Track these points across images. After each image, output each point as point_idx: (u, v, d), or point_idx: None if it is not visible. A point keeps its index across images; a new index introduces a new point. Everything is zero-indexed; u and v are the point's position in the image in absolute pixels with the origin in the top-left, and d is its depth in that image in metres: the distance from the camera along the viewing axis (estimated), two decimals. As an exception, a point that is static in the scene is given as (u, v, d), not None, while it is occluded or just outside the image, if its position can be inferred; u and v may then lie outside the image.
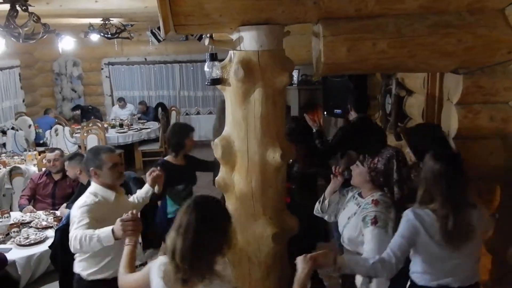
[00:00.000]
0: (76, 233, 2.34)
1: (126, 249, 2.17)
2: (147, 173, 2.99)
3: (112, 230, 2.24)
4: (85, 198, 2.55)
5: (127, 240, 2.19)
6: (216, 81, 2.44)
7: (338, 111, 4.72)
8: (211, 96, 9.88)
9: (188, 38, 9.53)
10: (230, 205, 2.65)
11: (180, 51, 9.64)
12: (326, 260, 2.01)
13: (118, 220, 2.21)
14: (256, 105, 2.40)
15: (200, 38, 9.47)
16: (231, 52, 2.45)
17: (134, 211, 2.24)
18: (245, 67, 2.32)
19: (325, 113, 5.21)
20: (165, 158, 3.76)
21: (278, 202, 2.62)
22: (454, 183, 2.12)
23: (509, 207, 2.61)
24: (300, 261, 1.97)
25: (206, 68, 2.44)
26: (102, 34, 7.03)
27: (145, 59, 9.84)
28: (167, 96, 9.98)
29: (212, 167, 3.72)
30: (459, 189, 2.14)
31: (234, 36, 2.43)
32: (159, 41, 9.38)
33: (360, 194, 2.65)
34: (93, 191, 2.60)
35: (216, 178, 2.63)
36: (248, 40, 2.36)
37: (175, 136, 3.63)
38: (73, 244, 2.35)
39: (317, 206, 2.84)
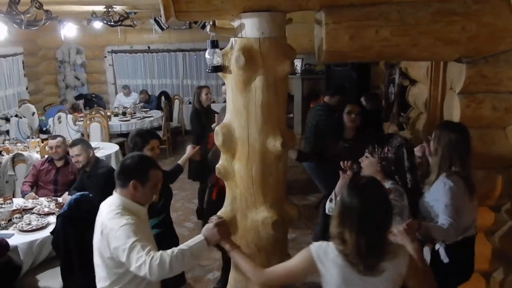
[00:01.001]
0: (153, 258, 1.99)
1: (237, 254, 2.15)
2: None
3: (205, 238, 2.14)
4: (120, 218, 2.12)
5: (227, 247, 2.18)
6: (217, 69, 2.42)
7: (340, 100, 4.70)
8: (215, 85, 9.85)
9: (192, 27, 9.52)
10: (230, 192, 2.66)
11: (183, 40, 9.61)
12: (414, 227, 2.13)
13: (211, 225, 2.20)
14: (257, 93, 2.39)
15: (203, 27, 9.43)
16: (232, 39, 2.44)
17: (218, 214, 2.32)
18: (246, 55, 2.30)
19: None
20: None
21: (279, 190, 2.61)
22: (468, 147, 2.50)
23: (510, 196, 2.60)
24: (400, 236, 2.02)
25: (207, 55, 2.42)
26: (105, 21, 7.01)
27: (149, 47, 9.82)
28: (170, 85, 9.97)
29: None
30: (470, 153, 2.52)
31: (236, 23, 2.41)
32: (162, 29, 9.38)
33: None
34: (125, 207, 2.21)
35: (217, 165, 2.63)
36: (250, 27, 2.34)
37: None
38: (158, 271, 2.00)
39: (330, 205, 2.80)
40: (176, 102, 9.07)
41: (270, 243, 2.61)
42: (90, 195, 3.11)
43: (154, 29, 9.34)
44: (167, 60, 9.88)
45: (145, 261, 1.98)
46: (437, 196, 2.44)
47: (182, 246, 2.10)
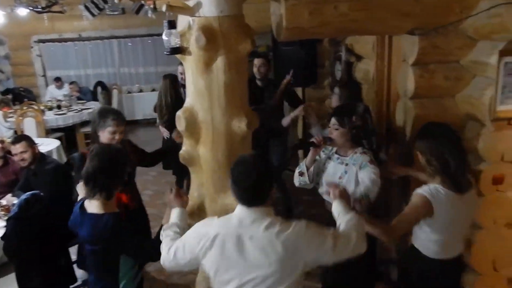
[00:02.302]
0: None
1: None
2: None
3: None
4: None
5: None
6: (175, 50, 2.31)
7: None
8: (153, 73, 9.54)
9: (125, 12, 9.08)
10: (196, 178, 2.59)
11: (117, 26, 9.14)
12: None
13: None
14: (219, 74, 2.32)
15: (138, 11, 9.08)
16: (190, 19, 2.33)
17: None
18: (206, 34, 2.21)
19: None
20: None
21: (246, 172, 2.58)
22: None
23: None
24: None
25: (164, 37, 2.29)
26: (30, 8, 6.49)
27: (80, 35, 9.25)
28: (106, 74, 9.50)
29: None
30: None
31: (192, 2, 2.30)
32: (93, 15, 8.88)
33: (339, 154, 2.76)
34: None
35: (180, 152, 2.54)
36: (208, 5, 2.24)
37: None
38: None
39: (301, 178, 2.81)
40: (115, 92, 8.67)
41: (240, 226, 2.58)
42: (41, 193, 2.89)
43: (84, 16, 8.88)
44: (101, 48, 9.38)
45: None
46: None
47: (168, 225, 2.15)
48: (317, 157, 2.80)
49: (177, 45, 2.31)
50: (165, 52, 2.36)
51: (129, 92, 9.55)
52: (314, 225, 1.89)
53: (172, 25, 2.28)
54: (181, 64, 5.06)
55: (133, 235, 2.25)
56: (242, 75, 2.42)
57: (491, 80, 2.57)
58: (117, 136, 2.88)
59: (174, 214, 2.18)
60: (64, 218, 2.98)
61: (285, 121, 3.98)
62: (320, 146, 2.71)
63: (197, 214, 2.53)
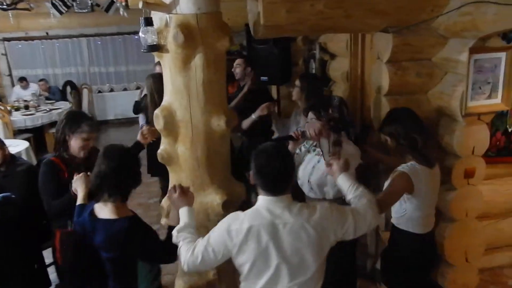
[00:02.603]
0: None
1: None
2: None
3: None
4: None
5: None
6: (153, 48, 2.28)
7: (264, 78, 4.71)
8: (125, 72, 9.38)
9: (94, 10, 8.91)
10: (175, 177, 2.56)
11: (86, 24, 8.94)
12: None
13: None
14: (197, 71, 2.30)
15: (108, 9, 8.91)
16: (167, 16, 2.30)
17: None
18: (184, 31, 2.19)
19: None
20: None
21: (225, 170, 2.58)
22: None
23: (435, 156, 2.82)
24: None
25: (141, 34, 2.26)
26: (-5, 5, 6.29)
27: (47, 33, 9.00)
28: (76, 74, 9.27)
29: None
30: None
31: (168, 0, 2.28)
32: (61, 13, 8.71)
33: (316, 146, 2.81)
34: None
35: (158, 151, 2.51)
36: (185, 2, 2.22)
37: None
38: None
39: None
40: (85, 92, 8.48)
41: (220, 224, 2.57)
42: (13, 196, 2.80)
43: (52, 13, 8.67)
44: (70, 47, 9.14)
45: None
46: None
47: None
48: (298, 151, 2.83)
49: (154, 43, 2.28)
50: (142, 50, 2.33)
51: (99, 92, 9.37)
52: (336, 206, 1.99)
53: (149, 22, 2.25)
54: (158, 64, 4.97)
55: (150, 239, 2.12)
56: (221, 73, 2.41)
57: (461, 76, 2.66)
58: (90, 144, 2.70)
59: (184, 214, 2.08)
60: (37, 220, 2.92)
61: (245, 124, 3.76)
62: (299, 140, 2.74)
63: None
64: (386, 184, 2.51)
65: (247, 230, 1.83)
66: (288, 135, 2.81)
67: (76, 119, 2.69)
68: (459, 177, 2.83)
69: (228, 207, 2.50)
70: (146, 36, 2.27)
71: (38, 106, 7.51)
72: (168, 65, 2.36)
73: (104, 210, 2.10)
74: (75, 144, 2.66)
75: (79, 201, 2.36)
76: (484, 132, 2.81)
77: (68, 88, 8.76)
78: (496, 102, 2.72)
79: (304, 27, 2.49)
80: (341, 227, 1.92)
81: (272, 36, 3.20)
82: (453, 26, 2.62)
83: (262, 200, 1.89)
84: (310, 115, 2.79)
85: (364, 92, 3.83)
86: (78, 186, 2.41)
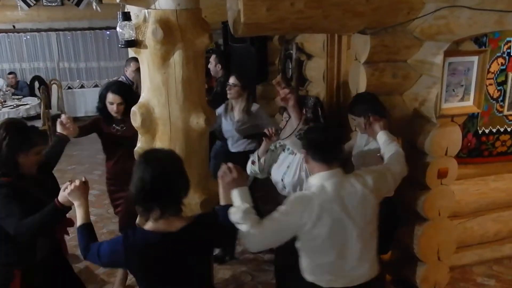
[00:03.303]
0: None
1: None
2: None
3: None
4: None
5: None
6: (130, 43, 2.24)
7: (241, 77, 4.72)
8: (96, 68, 9.16)
9: (64, 3, 8.65)
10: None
11: (55, 18, 8.67)
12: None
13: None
14: (176, 68, 2.27)
15: (78, 3, 8.68)
16: (145, 11, 2.26)
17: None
18: (164, 27, 2.16)
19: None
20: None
21: (203, 168, 2.55)
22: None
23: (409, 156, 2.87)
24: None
25: (118, 29, 2.21)
26: (-41, -4, 6.02)
27: (14, 26, 8.68)
28: (44, 69, 8.99)
29: None
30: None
31: (147, -6, 2.24)
32: (29, 5, 8.40)
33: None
34: None
35: (135, 148, 2.46)
36: (165, -3, 2.19)
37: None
38: None
39: (252, 167, 2.85)
40: (54, 87, 8.23)
41: (197, 223, 2.54)
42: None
43: (19, 6, 8.35)
44: (38, 41, 8.84)
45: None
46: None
47: None
48: (273, 149, 2.83)
49: (132, 38, 2.23)
50: (119, 45, 2.28)
51: (69, 88, 9.12)
52: (375, 169, 2.22)
53: (126, 17, 2.21)
54: (134, 60, 4.86)
55: (217, 230, 1.95)
56: (200, 70, 2.39)
57: (436, 79, 2.71)
58: (39, 157, 2.27)
59: (242, 195, 1.95)
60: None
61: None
62: (272, 137, 2.74)
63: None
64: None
65: (319, 206, 1.95)
66: (262, 132, 2.81)
67: (23, 133, 2.18)
68: (433, 177, 2.89)
69: (207, 206, 2.48)
70: (124, 31, 2.23)
71: (5, 101, 7.25)
72: (146, 62, 2.31)
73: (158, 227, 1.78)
74: (27, 161, 2.18)
75: (81, 220, 1.97)
76: (457, 134, 2.88)
77: (36, 84, 8.47)
78: (469, 104, 2.79)
79: (284, 25, 2.49)
80: (387, 186, 2.19)
81: (251, 34, 3.19)
82: (428, 29, 2.68)
83: (321, 177, 2.03)
84: (285, 114, 2.81)
85: (340, 92, 3.87)
86: (76, 198, 2.00)
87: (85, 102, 8.88)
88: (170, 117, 2.34)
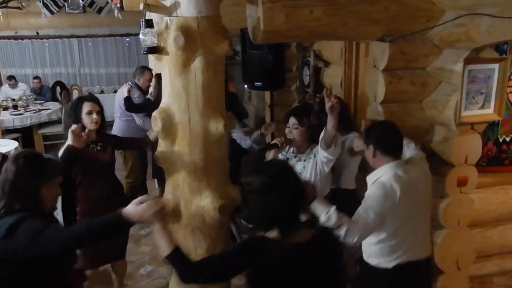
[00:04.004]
0: None
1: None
2: None
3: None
4: None
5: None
6: (152, 50, 2.29)
7: (258, 83, 4.74)
8: (115, 74, 9.32)
9: (86, 11, 8.85)
10: (171, 180, 2.56)
11: (77, 25, 8.88)
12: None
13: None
14: (197, 74, 2.31)
15: (100, 11, 8.87)
16: (167, 18, 2.31)
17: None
18: (185, 34, 2.20)
19: (245, 86, 5.21)
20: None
21: (221, 173, 2.58)
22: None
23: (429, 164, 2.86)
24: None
25: (141, 36, 2.27)
26: (-14, 3, 6.21)
27: (37, 33, 8.92)
28: (66, 74, 9.19)
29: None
30: None
31: (168, 2, 2.29)
32: (52, 12, 8.63)
33: (296, 153, 2.88)
34: None
35: (156, 152, 2.50)
36: (186, 5, 2.23)
37: None
38: None
39: None
40: (75, 93, 8.41)
41: (215, 228, 2.57)
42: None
43: (43, 13, 8.58)
44: (60, 47, 9.06)
45: None
46: None
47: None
48: (288, 157, 2.86)
49: (154, 45, 2.28)
50: (142, 52, 2.33)
51: (89, 93, 9.28)
52: (421, 157, 2.53)
53: (149, 24, 2.26)
54: (147, 69, 4.92)
55: None
56: (219, 76, 2.42)
57: (455, 86, 2.70)
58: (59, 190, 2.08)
59: (322, 202, 2.21)
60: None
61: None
62: (282, 147, 2.77)
63: (172, 216, 2.51)
64: None
65: (399, 191, 2.24)
66: (273, 143, 2.85)
67: (43, 165, 1.97)
68: (452, 186, 2.87)
69: (224, 211, 2.51)
70: (146, 37, 2.28)
71: (27, 106, 7.43)
72: (167, 68, 2.36)
73: None
74: (49, 194, 1.97)
75: (170, 246, 1.72)
76: (477, 142, 2.85)
77: (58, 89, 8.66)
78: (489, 112, 2.77)
79: (302, 33, 2.50)
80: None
81: (270, 41, 3.22)
82: (447, 36, 2.67)
83: (391, 167, 2.31)
84: (293, 120, 2.83)
85: (357, 100, 3.87)
86: (156, 218, 1.77)
87: (105, 107, 9.01)
88: (189, 122, 2.38)
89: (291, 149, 2.91)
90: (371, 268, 2.43)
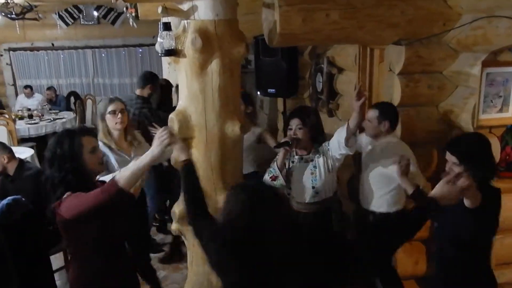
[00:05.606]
0: None
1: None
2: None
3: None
4: None
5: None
6: (170, 52, 2.31)
7: (272, 90, 4.75)
8: (129, 84, 9.41)
9: (100, 22, 9.00)
10: (187, 183, 2.56)
11: (91, 36, 9.03)
12: None
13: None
14: (214, 77, 2.32)
15: (114, 22, 9.01)
16: (184, 21, 2.33)
17: None
18: (202, 37, 2.23)
19: (258, 93, 5.23)
20: None
21: (237, 175, 2.58)
22: None
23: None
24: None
25: (159, 39, 2.29)
26: (3, 14, 6.34)
27: (52, 44, 9.07)
28: (80, 84, 9.31)
29: None
30: None
31: (186, 5, 2.31)
32: (67, 24, 8.79)
33: (300, 155, 2.87)
34: None
35: (172, 154, 2.50)
36: (203, 9, 2.26)
37: None
38: None
39: (275, 183, 2.81)
40: (89, 103, 8.50)
41: (231, 231, 2.56)
42: (22, 198, 2.79)
43: (58, 25, 8.76)
44: (75, 58, 9.19)
45: None
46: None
47: None
48: (297, 160, 2.86)
49: (172, 47, 2.31)
50: (159, 54, 2.36)
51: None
52: None
53: (167, 27, 2.28)
54: (150, 83, 4.74)
55: None
56: (236, 79, 2.44)
57: (473, 90, 2.68)
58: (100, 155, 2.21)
59: None
60: (44, 225, 2.89)
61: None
62: (292, 144, 2.76)
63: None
64: None
65: None
66: (284, 140, 2.82)
67: (83, 131, 2.11)
68: (470, 190, 2.82)
69: (240, 213, 2.49)
70: (164, 40, 2.30)
71: (42, 115, 7.52)
72: (184, 70, 2.38)
73: None
74: (92, 158, 2.06)
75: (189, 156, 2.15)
76: (495, 146, 2.81)
77: (72, 99, 8.77)
78: (508, 115, 2.74)
79: (319, 36, 2.52)
80: None
81: (286, 44, 3.24)
82: (464, 40, 2.66)
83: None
84: (297, 121, 2.79)
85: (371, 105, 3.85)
86: (170, 141, 2.00)
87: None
88: (206, 124, 2.39)
89: (295, 152, 2.88)
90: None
